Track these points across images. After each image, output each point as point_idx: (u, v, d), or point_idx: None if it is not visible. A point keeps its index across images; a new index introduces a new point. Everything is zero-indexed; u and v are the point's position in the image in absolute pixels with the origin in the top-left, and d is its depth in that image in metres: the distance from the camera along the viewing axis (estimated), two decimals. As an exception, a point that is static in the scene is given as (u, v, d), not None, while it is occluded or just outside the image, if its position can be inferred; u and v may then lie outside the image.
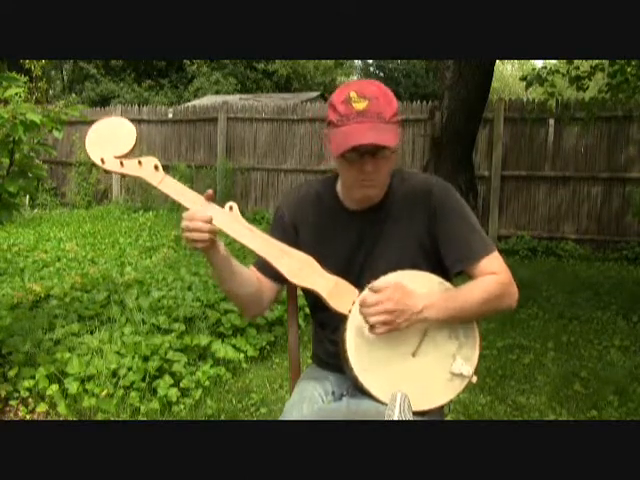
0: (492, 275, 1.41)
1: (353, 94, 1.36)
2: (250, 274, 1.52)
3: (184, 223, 1.32)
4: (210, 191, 1.38)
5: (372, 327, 1.33)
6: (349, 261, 1.49)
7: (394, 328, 1.33)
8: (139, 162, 1.40)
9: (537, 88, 5.59)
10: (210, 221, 1.32)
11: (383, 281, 1.38)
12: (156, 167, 1.40)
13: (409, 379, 1.37)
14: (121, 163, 1.40)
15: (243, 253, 5.11)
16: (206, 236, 1.32)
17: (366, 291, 1.38)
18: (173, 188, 1.39)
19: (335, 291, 1.41)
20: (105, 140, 1.41)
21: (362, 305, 1.34)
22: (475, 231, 1.44)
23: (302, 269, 1.42)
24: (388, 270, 1.41)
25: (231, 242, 5.53)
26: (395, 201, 1.48)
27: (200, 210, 1.34)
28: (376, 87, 1.39)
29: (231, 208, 1.39)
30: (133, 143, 1.41)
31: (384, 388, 1.36)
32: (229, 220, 1.39)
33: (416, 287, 1.38)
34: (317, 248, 1.49)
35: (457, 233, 1.43)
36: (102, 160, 1.40)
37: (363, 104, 1.35)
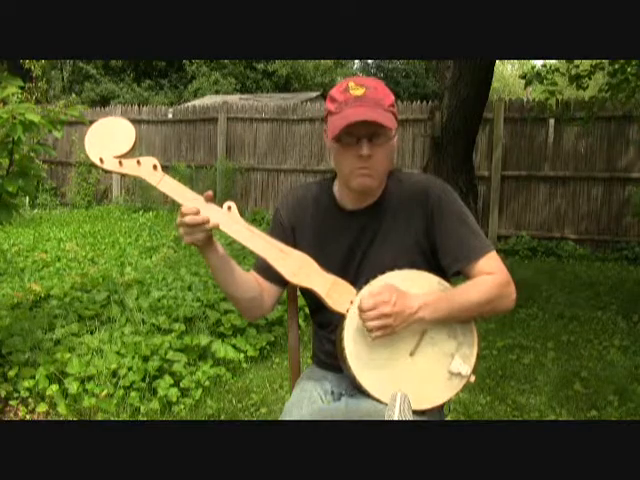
0: (489, 275, 1.40)
1: (351, 83, 1.41)
2: (250, 278, 1.52)
3: (178, 219, 1.33)
4: (209, 192, 1.37)
5: (370, 331, 1.34)
6: (347, 261, 1.50)
7: (392, 331, 1.34)
8: (138, 162, 1.39)
9: (537, 87, 5.59)
10: (197, 212, 1.32)
11: (379, 281, 1.38)
12: (155, 167, 1.39)
13: (407, 378, 1.38)
14: (120, 163, 1.39)
15: (243, 253, 5.11)
16: (200, 225, 1.31)
17: (363, 293, 1.38)
18: (172, 188, 1.39)
19: (333, 290, 1.41)
20: (104, 140, 1.41)
21: (359, 310, 1.35)
22: (472, 231, 1.44)
23: (301, 268, 1.42)
24: (385, 270, 1.41)
25: (231, 242, 5.52)
26: (392, 201, 1.49)
27: (190, 204, 1.34)
28: (374, 80, 1.46)
29: (229, 208, 1.39)
30: (132, 143, 1.41)
31: (382, 387, 1.36)
32: (228, 220, 1.39)
33: (414, 286, 1.38)
34: (315, 249, 1.49)
35: (454, 233, 1.43)
36: (101, 160, 1.40)
37: (361, 90, 1.39)
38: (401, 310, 1.33)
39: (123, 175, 1.46)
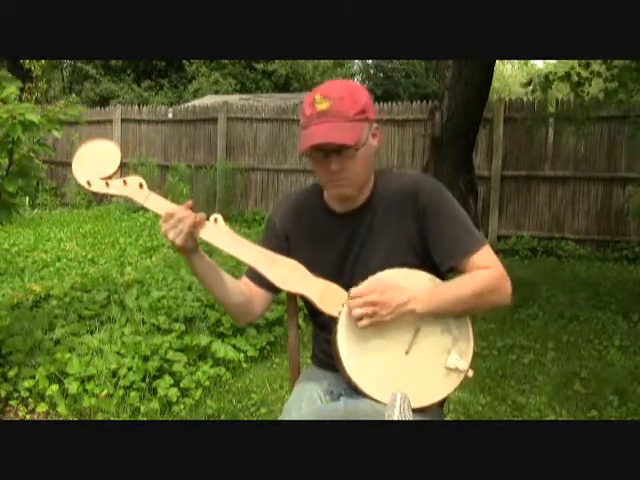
0: (484, 269, 1.40)
1: (318, 96, 1.39)
2: (238, 284, 1.52)
3: (164, 225, 1.35)
4: (189, 202, 1.39)
5: (357, 319, 1.35)
6: (340, 264, 1.50)
7: (378, 320, 1.34)
8: (124, 182, 1.44)
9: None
10: (186, 209, 1.35)
11: (372, 279, 1.39)
12: (141, 185, 1.43)
13: (404, 377, 1.38)
14: (107, 184, 1.44)
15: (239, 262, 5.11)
16: (190, 222, 1.33)
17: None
18: (158, 204, 1.42)
19: (325, 295, 1.42)
20: (90, 163, 1.46)
21: (348, 298, 1.36)
22: (465, 227, 1.44)
23: (291, 275, 1.44)
24: (378, 270, 1.41)
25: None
26: (383, 201, 1.49)
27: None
28: (343, 87, 1.42)
29: (216, 220, 1.42)
30: (117, 164, 1.45)
31: (378, 387, 1.37)
32: (214, 232, 1.41)
33: (406, 284, 1.38)
34: (308, 254, 1.50)
35: (447, 230, 1.43)
36: (88, 182, 1.45)
37: (325, 104, 1.37)
38: (389, 299, 1.34)
39: (112, 196, 1.51)
